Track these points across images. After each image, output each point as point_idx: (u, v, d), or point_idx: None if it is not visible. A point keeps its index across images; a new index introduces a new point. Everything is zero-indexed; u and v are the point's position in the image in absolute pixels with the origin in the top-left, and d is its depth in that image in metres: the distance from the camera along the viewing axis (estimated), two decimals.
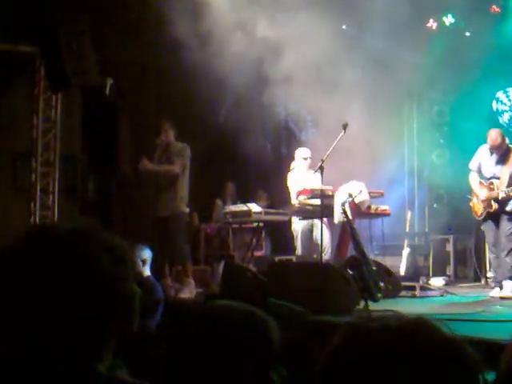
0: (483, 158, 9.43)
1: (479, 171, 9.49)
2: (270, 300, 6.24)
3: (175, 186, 9.90)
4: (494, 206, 9.17)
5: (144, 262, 7.63)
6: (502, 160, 9.24)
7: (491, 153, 9.31)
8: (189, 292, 9.59)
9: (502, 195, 9.03)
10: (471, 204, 9.66)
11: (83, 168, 11.76)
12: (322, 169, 8.95)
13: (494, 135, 9.27)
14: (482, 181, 9.44)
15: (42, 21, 9.67)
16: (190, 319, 1.90)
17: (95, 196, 11.85)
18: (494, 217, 9.26)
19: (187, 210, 10.14)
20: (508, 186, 9.04)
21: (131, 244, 10.17)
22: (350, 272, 7.43)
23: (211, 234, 12.07)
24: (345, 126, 9.03)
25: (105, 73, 10.78)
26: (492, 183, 9.26)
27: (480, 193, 9.36)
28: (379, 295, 7.61)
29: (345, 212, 8.82)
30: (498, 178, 9.22)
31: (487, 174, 9.38)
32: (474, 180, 9.55)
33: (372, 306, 7.38)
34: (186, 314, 1.92)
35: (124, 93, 11.07)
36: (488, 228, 9.45)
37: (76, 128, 11.44)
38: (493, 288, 9.35)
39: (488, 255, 9.85)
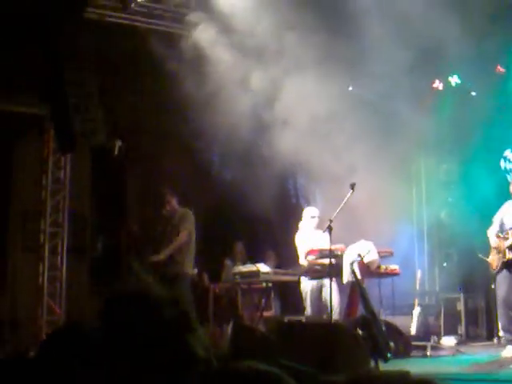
0: (506, 211, 9.53)
1: (501, 225, 9.54)
2: (280, 361, 6.16)
3: (182, 251, 10.03)
4: (508, 255, 9.20)
5: None
6: None
7: None
8: None
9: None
10: (488, 259, 9.67)
11: (92, 228, 11.79)
12: (330, 228, 8.96)
13: None
14: (499, 234, 9.48)
15: (51, 83, 9.77)
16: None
17: (104, 256, 11.85)
18: (509, 267, 9.28)
19: (195, 271, 10.25)
20: None
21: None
22: (360, 332, 7.37)
23: (220, 294, 12.01)
24: (353, 186, 9.09)
25: (114, 134, 10.86)
26: (508, 233, 9.32)
27: (493, 241, 9.42)
28: (389, 355, 7.54)
29: (353, 272, 8.79)
30: None
31: (508, 225, 9.44)
32: (491, 231, 9.59)
33: (382, 366, 7.31)
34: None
35: (131, 154, 11.13)
36: (502, 279, 9.43)
37: (86, 188, 11.50)
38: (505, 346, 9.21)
39: (499, 312, 9.58)
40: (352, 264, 9.08)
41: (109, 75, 10.75)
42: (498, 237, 9.44)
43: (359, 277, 9.32)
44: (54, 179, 10.72)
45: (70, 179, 10.97)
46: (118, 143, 10.69)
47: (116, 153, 10.77)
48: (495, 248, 9.43)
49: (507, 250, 9.19)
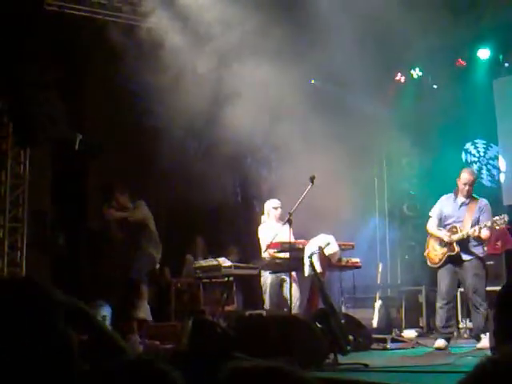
0: (445, 205, 9.48)
1: (439, 218, 9.48)
2: (236, 355, 6.14)
3: (140, 241, 9.96)
4: (457, 249, 9.09)
5: (104, 318, 7.58)
6: (465, 204, 9.31)
7: (455, 196, 9.38)
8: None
9: (470, 231, 8.98)
10: (425, 254, 9.59)
11: (52, 223, 11.67)
12: (290, 222, 8.94)
13: (469, 173, 9.45)
14: (440, 228, 9.39)
15: (8, 75, 9.66)
16: None
17: (64, 251, 11.74)
18: (454, 261, 9.18)
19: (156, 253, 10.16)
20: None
21: (90, 302, 10.16)
22: (319, 325, 7.38)
23: (182, 288, 11.98)
24: (312, 179, 9.08)
25: (75, 127, 10.78)
26: (455, 227, 9.22)
27: (444, 234, 9.24)
28: (348, 348, 7.56)
29: (312, 264, 8.80)
30: (461, 222, 9.22)
31: (449, 218, 9.35)
32: (432, 226, 9.51)
33: (341, 359, 7.33)
34: None
35: (95, 148, 11.04)
36: (445, 274, 9.26)
37: (45, 183, 11.38)
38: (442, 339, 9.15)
39: (438, 306, 9.30)
40: (311, 256, 9.07)
41: (68, 67, 10.63)
42: (440, 230, 9.34)
43: (318, 270, 9.30)
44: (13, 174, 10.59)
45: (30, 174, 10.83)
46: (79, 137, 10.62)
47: (77, 147, 10.70)
48: (439, 242, 9.33)
49: (455, 244, 9.10)
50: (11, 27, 9.59)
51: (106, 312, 7.57)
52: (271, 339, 7.25)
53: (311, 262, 8.88)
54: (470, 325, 10.67)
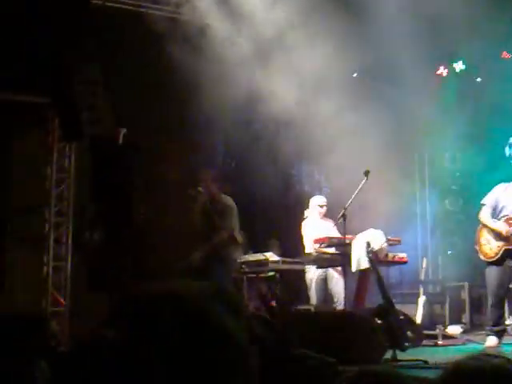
0: (502, 194, 9.05)
1: (493, 208, 9.04)
2: (299, 351, 6.05)
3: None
4: None
5: None
6: None
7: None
8: None
9: None
10: (477, 247, 9.14)
11: (91, 218, 11.62)
12: (344, 217, 8.87)
13: None
14: (495, 220, 8.98)
15: (56, 71, 9.63)
16: None
17: (103, 247, 11.68)
18: (511, 256, 8.81)
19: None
20: None
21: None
22: (378, 321, 7.31)
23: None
24: (367, 173, 9.01)
25: (119, 123, 10.74)
26: (511, 218, 8.84)
27: (501, 226, 8.83)
28: (406, 344, 7.49)
29: (371, 260, 8.72)
30: None
31: (505, 209, 8.92)
32: (487, 216, 9.04)
33: (400, 355, 7.25)
34: None
35: (138, 143, 10.97)
36: (499, 270, 8.88)
37: (86, 177, 11.34)
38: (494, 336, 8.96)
39: (490, 304, 9.06)
40: (370, 252, 8.98)
41: (113, 63, 10.59)
42: (504, 221, 8.87)
43: (367, 265, 9.24)
44: (58, 168, 10.55)
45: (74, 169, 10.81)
46: (123, 131, 10.57)
47: (120, 141, 10.65)
48: (495, 233, 8.88)
49: None
50: (57, 20, 9.54)
51: None
52: (330, 335, 7.18)
53: (369, 257, 8.80)
54: None
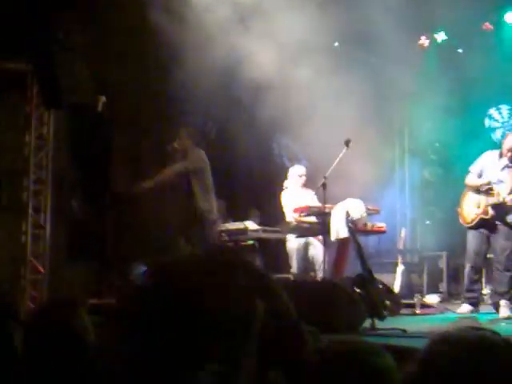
0: (487, 163, 9.08)
1: (480, 176, 9.10)
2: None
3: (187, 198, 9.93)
4: (491, 212, 8.82)
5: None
6: (508, 167, 8.96)
7: (500, 156, 9.02)
8: None
9: (508, 199, 8.67)
10: (459, 210, 9.27)
11: (70, 187, 11.56)
12: (324, 186, 8.87)
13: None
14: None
15: (34, 37, 9.51)
16: None
17: (83, 216, 11.62)
18: (486, 225, 8.94)
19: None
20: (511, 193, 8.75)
21: (127, 263, 10.10)
22: (357, 290, 7.34)
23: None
24: (347, 142, 9.01)
25: (98, 90, 10.65)
26: (491, 188, 8.88)
27: (477, 197, 8.98)
28: (385, 313, 7.53)
29: (351, 229, 8.75)
30: (502, 181, 8.91)
31: (491, 179, 8.97)
32: (472, 179, 9.14)
33: (378, 324, 7.29)
34: None
35: (117, 112, 10.90)
36: (476, 236, 9.02)
37: (64, 145, 11.24)
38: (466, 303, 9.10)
39: (466, 269, 9.18)
40: (348, 222, 9.01)
41: (94, 30, 10.49)
42: (479, 191, 9.00)
43: (346, 234, 9.27)
44: (36, 135, 10.44)
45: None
46: (102, 99, 10.48)
47: (100, 109, 10.57)
48: (473, 201, 9.03)
49: (489, 208, 8.80)
50: None
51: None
52: (310, 304, 7.20)
53: (349, 226, 8.83)
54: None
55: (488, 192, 8.93)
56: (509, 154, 8.93)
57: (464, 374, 1.49)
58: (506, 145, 8.98)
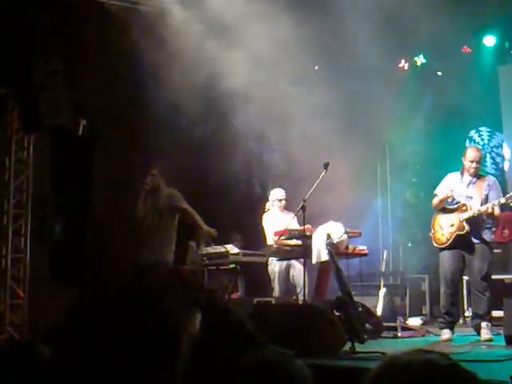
0: (452, 183, 9.12)
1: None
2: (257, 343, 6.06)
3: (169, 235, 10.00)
4: (467, 228, 8.75)
5: None
6: (473, 183, 8.99)
7: (461, 175, 9.08)
8: None
9: (483, 209, 8.65)
10: (431, 234, 9.18)
11: (52, 211, 11.53)
12: (304, 208, 8.87)
13: (475, 149, 9.21)
14: (448, 207, 9.06)
15: (15, 62, 9.53)
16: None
17: (64, 238, 11.59)
18: (462, 243, 8.82)
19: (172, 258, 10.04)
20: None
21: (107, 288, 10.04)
22: (337, 313, 7.32)
23: (186, 276, 11.85)
24: (326, 165, 9.02)
25: (79, 113, 10.65)
26: (464, 204, 8.84)
27: (449, 216, 8.93)
28: (365, 336, 7.52)
29: (330, 252, 8.75)
30: (470, 198, 8.90)
31: (458, 197, 8.96)
32: (437, 199, 9.16)
33: (358, 347, 7.27)
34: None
35: (99, 133, 10.89)
36: (450, 257, 8.88)
37: (46, 169, 11.23)
38: (447, 328, 8.92)
39: (443, 291, 8.96)
40: (329, 245, 9.01)
41: (74, 53, 10.51)
42: (450, 210, 8.98)
43: (327, 258, 9.27)
44: (16, 159, 10.45)
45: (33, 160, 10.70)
46: (83, 122, 10.48)
47: (80, 132, 10.56)
48: (446, 221, 8.95)
49: (465, 223, 8.74)
50: (17, 11, 9.45)
51: None
52: (289, 327, 7.19)
53: (328, 249, 8.83)
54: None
55: (461, 208, 8.90)
56: (473, 165, 8.95)
57: None
58: (468, 158, 8.99)
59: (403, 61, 13.42)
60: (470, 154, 9.02)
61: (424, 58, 13.32)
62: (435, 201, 9.21)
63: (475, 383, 1.55)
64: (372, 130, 12.67)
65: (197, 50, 10.53)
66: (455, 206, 9.00)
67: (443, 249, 8.99)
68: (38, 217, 11.04)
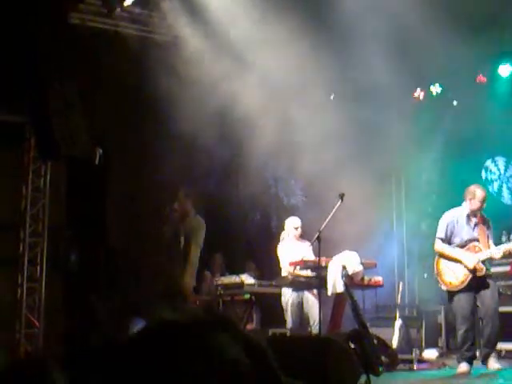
0: (456, 224, 9.01)
1: (449, 238, 9.02)
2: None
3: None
4: (484, 268, 8.71)
5: None
6: (477, 224, 8.96)
7: (468, 218, 8.98)
8: None
9: (499, 254, 8.65)
10: (438, 278, 9.09)
11: (67, 240, 11.54)
12: (319, 239, 8.85)
13: (482, 188, 9.11)
14: (456, 248, 8.95)
15: (32, 90, 9.58)
16: None
17: (79, 269, 11.59)
18: (477, 284, 8.77)
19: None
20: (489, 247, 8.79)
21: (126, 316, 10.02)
22: (352, 346, 7.26)
23: (201, 307, 11.80)
24: (342, 196, 9.00)
25: (95, 142, 10.68)
26: (475, 246, 8.82)
27: (468, 257, 8.76)
28: (381, 369, 7.45)
29: (346, 284, 8.70)
30: (477, 241, 8.87)
31: (464, 240, 8.91)
32: (447, 247, 9.00)
33: (374, 380, 7.20)
34: None
35: (111, 161, 10.92)
36: (466, 298, 8.79)
37: (61, 198, 11.27)
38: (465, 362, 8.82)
39: (463, 330, 8.78)
40: (343, 276, 8.97)
41: (91, 82, 10.56)
42: (467, 250, 8.87)
43: (342, 289, 9.23)
44: (33, 188, 10.48)
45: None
46: (99, 151, 10.49)
47: (96, 162, 10.57)
48: (456, 264, 8.84)
49: (481, 264, 8.66)
50: (36, 39, 9.53)
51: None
52: (305, 360, 7.12)
53: (344, 281, 8.79)
54: None
55: (473, 249, 8.85)
56: (483, 206, 8.93)
57: None
58: (478, 198, 8.93)
59: (418, 90, 13.40)
60: (481, 194, 8.96)
61: (440, 86, 13.30)
62: (440, 248, 9.10)
63: None
64: (387, 159, 12.67)
65: (210, 77, 10.54)
66: (466, 247, 8.91)
67: (458, 291, 8.86)
68: (54, 246, 11.04)
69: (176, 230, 9.47)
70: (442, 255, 9.08)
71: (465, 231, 8.99)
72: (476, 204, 8.94)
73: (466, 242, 8.95)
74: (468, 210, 9.02)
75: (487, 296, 8.78)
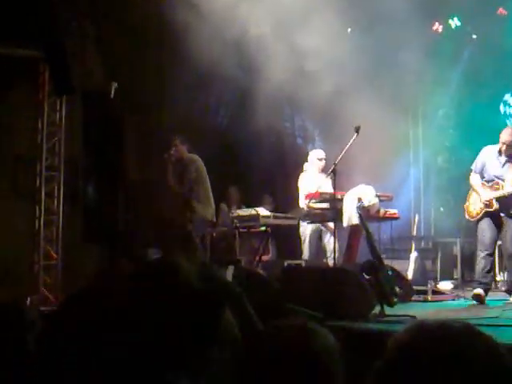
0: (488, 160, 9.22)
1: (481, 173, 9.26)
2: (287, 306, 6.09)
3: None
4: (496, 205, 8.94)
5: None
6: (508, 162, 9.08)
7: (499, 154, 9.11)
8: None
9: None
10: (465, 206, 9.44)
11: (84, 173, 11.59)
12: (334, 172, 8.85)
13: (508, 132, 9.14)
14: (484, 182, 9.22)
15: (46, 24, 9.53)
16: None
17: (97, 202, 11.66)
18: (492, 217, 9.05)
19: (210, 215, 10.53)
20: None
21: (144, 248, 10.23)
22: (366, 277, 7.31)
23: (217, 238, 11.90)
24: (357, 129, 8.93)
25: (110, 76, 10.66)
26: (497, 183, 9.04)
27: (483, 193, 9.08)
28: (395, 300, 7.49)
29: (360, 216, 8.73)
30: (503, 180, 9.04)
31: (491, 176, 9.15)
32: (476, 181, 9.28)
33: (388, 310, 7.26)
34: None
35: (129, 98, 10.92)
36: (486, 225, 9.08)
37: (77, 132, 11.28)
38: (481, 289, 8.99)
39: (483, 255, 9.06)
40: (358, 208, 9.01)
41: (105, 16, 10.50)
42: (483, 185, 9.18)
43: (357, 221, 9.26)
44: (49, 122, 10.50)
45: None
46: (114, 85, 10.48)
47: (112, 96, 10.57)
48: (482, 196, 9.11)
49: (494, 201, 8.94)
50: None
51: None
52: (318, 290, 7.20)
53: (359, 213, 8.82)
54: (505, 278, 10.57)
55: (494, 186, 9.09)
56: (504, 148, 9.04)
57: (436, 364, 1.47)
58: (501, 138, 9.10)
59: (437, 23, 13.21)
60: (503, 136, 9.11)
61: (458, 20, 13.10)
62: (473, 181, 9.37)
63: (492, 345, 1.52)
64: (405, 94, 12.57)
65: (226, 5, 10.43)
66: (490, 183, 9.14)
67: (479, 220, 9.18)
68: (71, 179, 11.10)
69: (175, 171, 10.45)
70: (471, 186, 9.40)
71: (493, 168, 9.17)
72: (500, 143, 9.10)
73: (492, 178, 9.16)
74: (499, 148, 9.16)
75: (507, 232, 9.06)
